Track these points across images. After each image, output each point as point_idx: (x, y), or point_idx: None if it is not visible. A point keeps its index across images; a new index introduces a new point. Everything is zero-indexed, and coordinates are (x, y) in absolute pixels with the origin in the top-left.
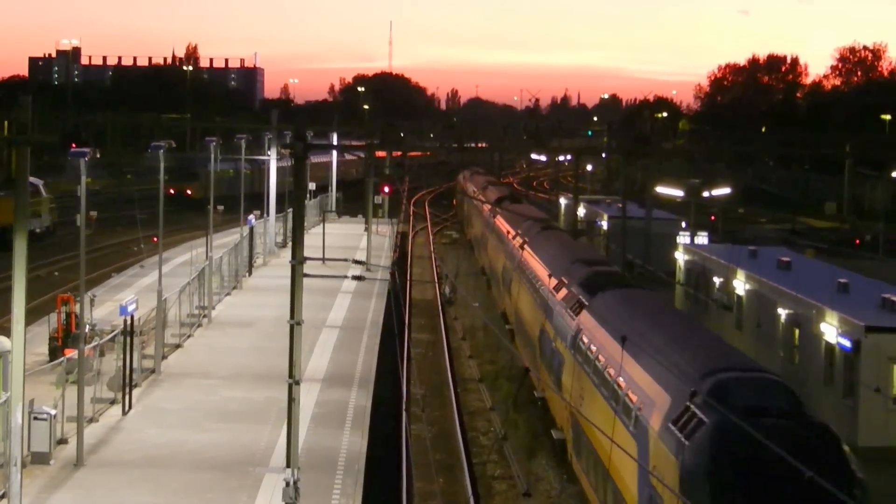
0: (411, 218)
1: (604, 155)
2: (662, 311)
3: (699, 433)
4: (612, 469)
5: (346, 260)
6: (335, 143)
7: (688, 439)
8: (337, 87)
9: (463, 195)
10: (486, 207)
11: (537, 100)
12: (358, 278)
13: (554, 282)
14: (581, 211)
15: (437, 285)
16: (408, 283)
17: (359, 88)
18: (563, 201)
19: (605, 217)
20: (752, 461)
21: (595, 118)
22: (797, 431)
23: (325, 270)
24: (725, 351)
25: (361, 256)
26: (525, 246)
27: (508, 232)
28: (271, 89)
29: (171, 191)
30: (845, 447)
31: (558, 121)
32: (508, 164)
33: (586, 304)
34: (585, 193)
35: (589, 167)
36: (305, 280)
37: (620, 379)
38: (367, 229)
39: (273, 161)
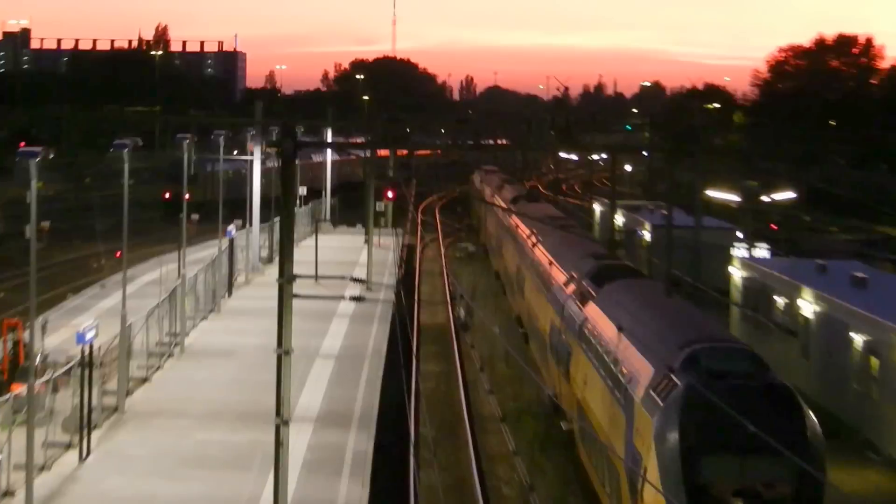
0: (419, 228)
1: (645, 153)
2: (662, 298)
3: (671, 395)
4: (608, 445)
5: (342, 278)
6: (330, 140)
7: (662, 401)
8: (331, 75)
9: (477, 196)
10: (501, 208)
11: (566, 88)
12: (357, 299)
13: (564, 277)
14: (619, 219)
15: (449, 307)
16: (415, 304)
17: (357, 76)
18: (597, 208)
19: (648, 226)
20: (716, 417)
21: (634, 110)
22: (757, 391)
23: (319, 290)
24: (707, 327)
25: (361, 274)
26: (538, 244)
27: (522, 231)
28: (255, 77)
29: (167, 195)
30: (803, 405)
31: (591, 113)
32: (533, 164)
33: (594, 295)
34: (624, 198)
35: (627, 167)
36: (295, 302)
37: (616, 360)
38: (367, 241)
39: (257, 161)
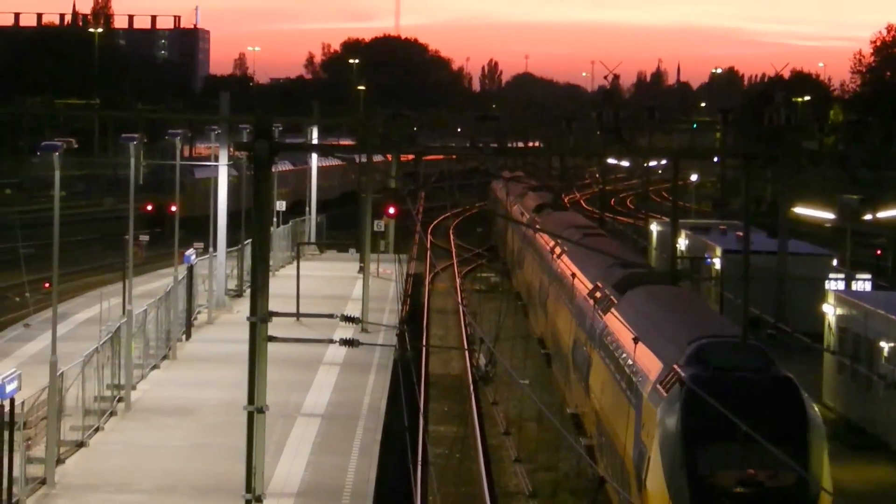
0: (429, 253)
1: (716, 159)
2: (681, 302)
3: (675, 386)
4: (619, 446)
5: (331, 316)
6: (315, 141)
7: (667, 393)
8: (318, 59)
9: (496, 206)
10: (523, 218)
11: (616, 77)
12: (349, 343)
13: (587, 287)
14: (682, 242)
15: (466, 354)
16: (423, 350)
17: (350, 60)
18: (655, 228)
19: (719, 251)
20: (718, 407)
21: (703, 104)
22: (759, 383)
23: (301, 332)
24: (716, 323)
25: (355, 311)
26: (561, 256)
27: (544, 243)
28: (220, 61)
29: (150, 207)
30: (805, 397)
31: (648, 108)
32: (575, 172)
33: (614, 302)
34: (689, 216)
35: (693, 177)
36: (272, 346)
37: (629, 361)
38: (362, 270)
39: (223, 169)
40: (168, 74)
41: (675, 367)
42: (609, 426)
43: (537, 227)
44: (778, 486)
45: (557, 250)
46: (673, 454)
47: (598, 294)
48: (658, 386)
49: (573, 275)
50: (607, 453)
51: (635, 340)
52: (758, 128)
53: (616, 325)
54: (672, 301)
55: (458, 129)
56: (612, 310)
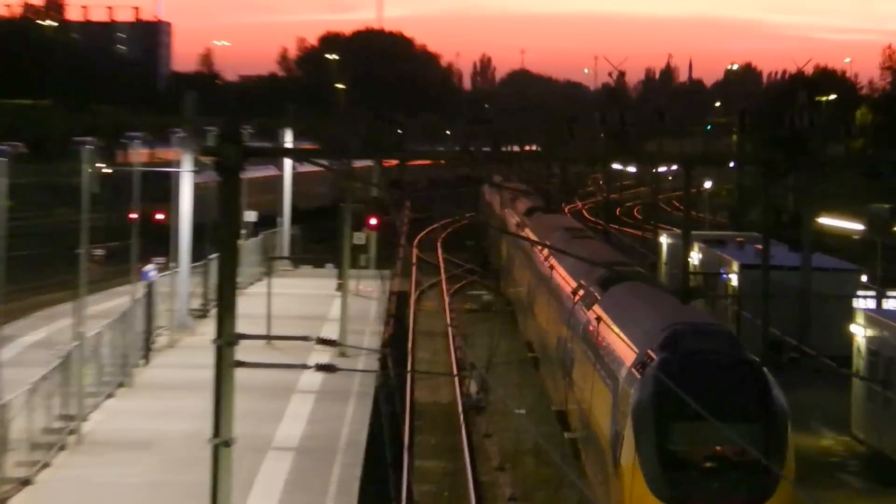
0: (414, 268)
1: (732, 165)
2: (661, 297)
3: (648, 369)
4: (599, 433)
5: (306, 339)
6: (289, 146)
7: (640, 375)
8: (292, 54)
9: (487, 212)
10: (513, 223)
11: (622, 73)
12: (326, 369)
13: (573, 285)
14: (695, 256)
15: (456, 381)
16: (409, 376)
17: (328, 56)
18: (665, 241)
19: (736, 266)
20: (688, 387)
21: (717, 104)
22: (728, 365)
23: (273, 356)
24: (689, 312)
25: (333, 333)
26: (550, 257)
27: (535, 246)
28: (185, 57)
29: (134, 215)
30: (770, 379)
31: (656, 108)
32: (577, 180)
33: (598, 298)
34: (702, 228)
35: (707, 185)
36: (241, 373)
37: (610, 352)
38: (341, 287)
39: (186, 176)
40: (127, 71)
41: (649, 351)
42: (591, 415)
43: (527, 228)
44: (745, 461)
45: (545, 252)
46: (644, 431)
47: (581, 291)
48: (633, 370)
49: (560, 275)
50: (590, 443)
51: (613, 330)
52: (778, 130)
53: (598, 318)
54: (652, 296)
55: (448, 133)
56: (595, 305)
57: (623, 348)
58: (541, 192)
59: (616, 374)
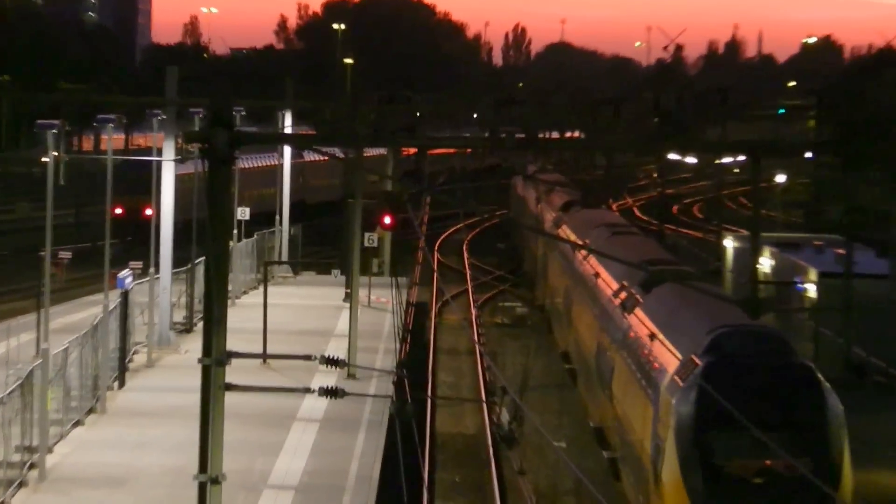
0: (435, 275)
1: (808, 155)
2: (708, 297)
3: (691, 376)
4: (638, 447)
5: (308, 358)
6: (288, 131)
7: (683, 383)
8: (292, 23)
9: (519, 208)
10: (549, 219)
11: (679, 47)
12: (332, 393)
13: (612, 288)
14: (766, 262)
15: (484, 407)
16: (429, 402)
17: (334, 25)
18: (730, 244)
19: (813, 274)
20: (734, 395)
21: (792, 83)
22: (778, 370)
23: (270, 378)
24: (736, 313)
25: (340, 350)
26: (588, 257)
27: (573, 244)
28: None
29: (119, 210)
30: (824, 384)
31: (719, 88)
32: (625, 172)
33: (640, 301)
34: (774, 229)
35: (780, 178)
36: (231, 397)
37: (651, 359)
38: (349, 297)
39: (168, 165)
40: (99, 44)
41: (693, 357)
42: (631, 430)
43: (564, 224)
44: (797, 476)
45: (584, 252)
46: (687, 443)
47: (622, 294)
48: (675, 377)
49: (598, 276)
50: (630, 461)
51: (655, 336)
52: (861, 114)
53: (639, 323)
54: (698, 296)
55: (475, 115)
56: (637, 309)
57: (665, 354)
58: (581, 185)
59: (658, 382)
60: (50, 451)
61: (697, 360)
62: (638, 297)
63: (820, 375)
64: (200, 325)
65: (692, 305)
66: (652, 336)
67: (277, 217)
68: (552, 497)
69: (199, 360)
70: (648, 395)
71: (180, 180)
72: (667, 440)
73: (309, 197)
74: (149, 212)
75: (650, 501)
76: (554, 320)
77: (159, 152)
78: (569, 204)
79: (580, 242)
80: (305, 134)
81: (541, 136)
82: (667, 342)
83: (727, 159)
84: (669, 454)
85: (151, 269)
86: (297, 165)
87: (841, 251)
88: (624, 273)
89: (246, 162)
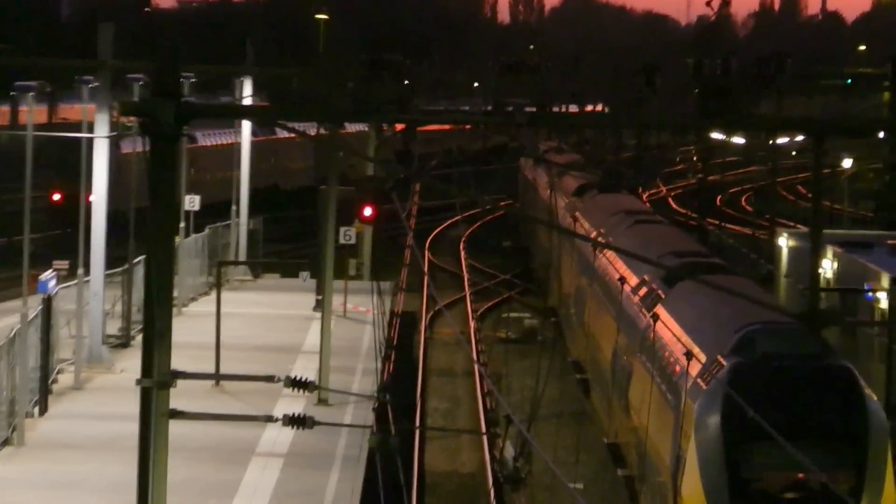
0: (426, 279)
1: (881, 135)
2: (739, 291)
3: (715, 379)
4: (659, 461)
5: (270, 379)
6: (248, 102)
7: (706, 385)
8: None
9: (528, 194)
10: (560, 205)
11: (725, 2)
12: (299, 422)
13: (633, 283)
14: (828, 265)
15: (485, 441)
16: (416, 433)
17: None
18: (785, 242)
19: (886, 280)
20: (764, 400)
21: (862, 47)
22: (813, 372)
23: (224, 404)
24: (769, 306)
25: (309, 370)
26: (605, 249)
27: (588, 234)
28: None
29: (57, 196)
30: (864, 387)
31: (773, 53)
32: (659, 155)
33: (662, 297)
34: (839, 225)
35: (846, 163)
36: (177, 427)
37: (672, 360)
38: (320, 305)
39: (101, 143)
40: None
41: (718, 357)
42: (649, 442)
43: (578, 212)
44: (834, 490)
45: (600, 241)
46: (711, 453)
47: (642, 290)
48: (698, 380)
49: (615, 270)
50: (648, 478)
51: (678, 335)
52: None
53: (660, 322)
54: (727, 291)
55: (476, 84)
56: (658, 305)
57: (688, 355)
58: (599, 166)
59: (679, 387)
60: None
61: (723, 361)
62: (660, 292)
63: (860, 379)
64: (139, 338)
65: (720, 301)
66: (674, 336)
67: (234, 207)
68: None
69: (138, 382)
70: (669, 401)
71: (127, 161)
72: (688, 451)
73: (283, 181)
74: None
75: None
76: (565, 323)
77: (90, 127)
78: (583, 188)
79: (595, 232)
80: (264, 106)
81: (556, 109)
82: (690, 342)
83: (783, 140)
84: (690, 466)
85: (80, 271)
86: (269, 143)
87: None
88: (645, 266)
89: (207, 139)
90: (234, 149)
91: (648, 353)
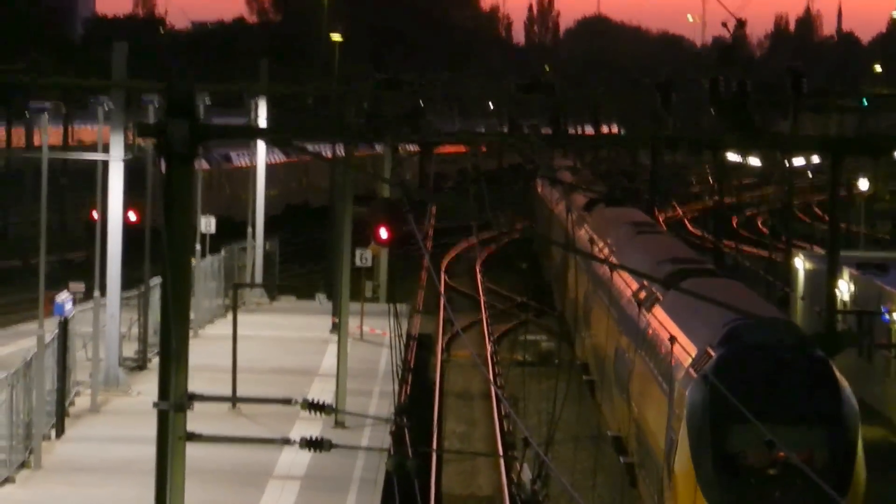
0: (443, 301)
1: None
2: (729, 293)
3: (704, 368)
4: (655, 446)
5: (287, 402)
6: (263, 119)
7: (696, 374)
8: None
9: (539, 208)
10: (571, 221)
11: (741, 23)
12: (316, 445)
13: (634, 288)
14: (845, 286)
15: (502, 463)
16: (433, 456)
17: None
18: (802, 264)
19: None
20: (748, 387)
21: (877, 67)
22: (788, 361)
23: (241, 426)
24: (755, 304)
25: (326, 393)
26: (609, 257)
27: (594, 244)
28: None
29: (96, 214)
30: (839, 378)
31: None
32: (676, 171)
33: (660, 299)
34: (856, 246)
35: (863, 184)
36: (194, 449)
37: (668, 354)
38: (337, 328)
39: (116, 165)
40: (31, 13)
41: (708, 348)
42: (647, 429)
43: (586, 225)
44: (807, 467)
45: (605, 252)
46: (699, 435)
47: (642, 293)
48: (689, 370)
49: (620, 278)
50: (646, 462)
51: (673, 332)
52: None
53: (658, 321)
54: (720, 291)
55: (491, 105)
56: (656, 307)
57: (682, 349)
58: (607, 181)
59: (673, 377)
60: None
61: (712, 352)
62: (658, 294)
63: (836, 368)
64: (156, 361)
65: (712, 300)
66: (669, 332)
67: (249, 229)
68: None
69: (155, 405)
70: (664, 390)
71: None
72: (679, 432)
73: (314, 199)
74: (132, 216)
75: (663, 495)
76: (573, 328)
77: (105, 148)
78: (592, 202)
79: (602, 242)
80: (276, 128)
81: (572, 131)
82: (683, 336)
83: (799, 160)
84: (682, 446)
85: (96, 293)
86: (301, 162)
87: None
88: (644, 270)
89: (242, 160)
90: (269, 168)
91: (647, 348)
